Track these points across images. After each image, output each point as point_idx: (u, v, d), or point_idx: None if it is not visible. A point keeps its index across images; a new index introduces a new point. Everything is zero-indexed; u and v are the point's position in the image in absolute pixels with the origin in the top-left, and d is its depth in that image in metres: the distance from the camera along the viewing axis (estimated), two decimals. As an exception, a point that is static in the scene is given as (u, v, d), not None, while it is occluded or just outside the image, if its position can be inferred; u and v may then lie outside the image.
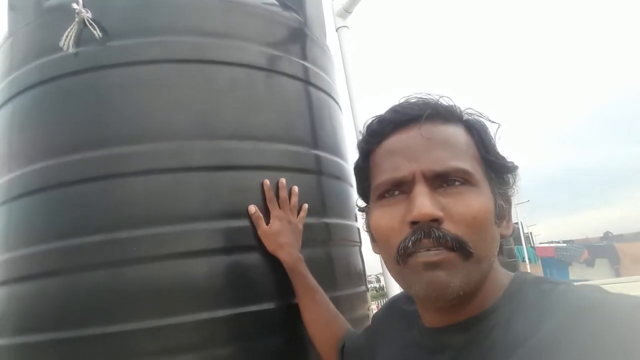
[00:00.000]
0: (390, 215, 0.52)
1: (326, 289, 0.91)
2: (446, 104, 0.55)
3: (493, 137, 0.56)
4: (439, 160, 0.51)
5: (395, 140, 0.54)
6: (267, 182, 0.91)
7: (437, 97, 0.55)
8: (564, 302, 0.45)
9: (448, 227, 0.48)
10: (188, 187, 0.85)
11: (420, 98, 0.55)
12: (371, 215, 0.57)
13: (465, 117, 0.56)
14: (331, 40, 1.39)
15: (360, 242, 1.18)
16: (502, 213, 0.54)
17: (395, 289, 1.47)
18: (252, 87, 0.97)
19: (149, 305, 0.79)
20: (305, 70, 1.10)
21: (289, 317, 0.89)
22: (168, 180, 0.85)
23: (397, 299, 0.72)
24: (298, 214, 0.95)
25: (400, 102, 0.57)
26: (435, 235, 0.48)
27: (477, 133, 0.55)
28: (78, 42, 0.90)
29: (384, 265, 0.70)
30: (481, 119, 0.56)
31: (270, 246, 0.89)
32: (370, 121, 0.58)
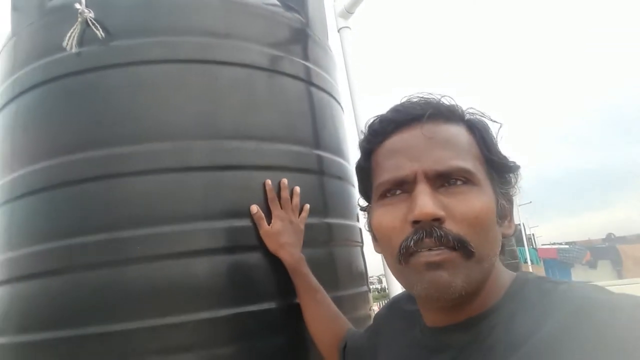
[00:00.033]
0: (392, 215, 0.52)
1: (328, 289, 0.91)
2: (448, 104, 0.55)
3: (495, 137, 0.56)
4: (441, 159, 0.51)
5: (397, 140, 0.54)
6: (269, 182, 0.92)
7: (439, 97, 0.55)
8: (565, 302, 0.45)
9: (450, 226, 0.48)
10: (190, 186, 0.85)
11: (422, 98, 0.55)
12: (373, 214, 0.57)
13: (467, 116, 0.56)
14: (333, 40, 1.39)
15: (362, 242, 1.18)
16: (503, 212, 0.54)
17: (397, 290, 1.46)
18: (254, 87, 0.97)
19: (151, 305, 0.79)
20: (307, 70, 1.10)
21: (291, 316, 0.89)
22: (170, 180, 0.85)
23: (398, 298, 0.72)
24: (300, 214, 0.95)
25: (402, 101, 0.57)
26: (437, 234, 0.48)
27: (479, 132, 0.55)
28: (81, 42, 0.90)
29: (386, 267, 0.70)
30: (483, 118, 0.56)
31: (271, 246, 0.89)
32: (371, 121, 0.59)
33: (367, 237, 0.67)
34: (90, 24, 0.88)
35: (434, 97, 0.55)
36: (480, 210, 0.49)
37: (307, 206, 0.97)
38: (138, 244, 0.81)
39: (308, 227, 0.95)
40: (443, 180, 0.51)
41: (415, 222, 0.49)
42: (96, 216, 0.83)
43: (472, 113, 0.56)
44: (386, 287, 1.67)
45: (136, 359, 0.77)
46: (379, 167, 0.56)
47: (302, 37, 1.14)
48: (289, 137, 1.00)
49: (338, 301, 0.92)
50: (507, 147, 0.56)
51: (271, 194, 0.91)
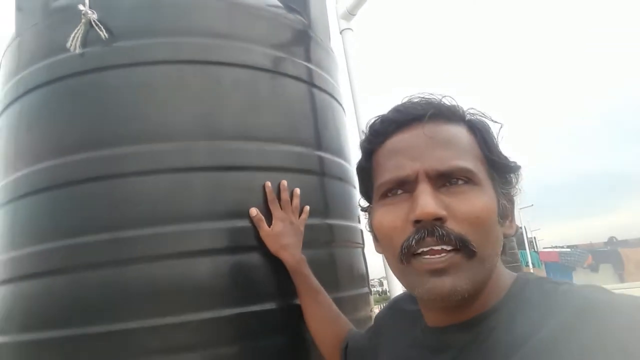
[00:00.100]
0: (394, 214, 0.52)
1: (329, 289, 0.91)
2: (449, 104, 0.55)
3: (496, 137, 0.56)
4: (442, 159, 0.51)
5: (398, 140, 0.55)
6: (268, 183, 0.92)
7: (440, 97, 0.55)
8: (565, 302, 0.45)
9: (451, 226, 0.48)
10: (192, 187, 0.86)
11: (422, 98, 0.56)
12: (374, 214, 0.57)
13: (468, 116, 0.56)
14: (335, 42, 1.39)
15: (363, 243, 1.18)
16: (505, 212, 0.54)
17: (398, 293, 1.46)
18: (256, 88, 0.97)
19: (154, 304, 0.79)
20: (309, 72, 1.10)
21: (292, 317, 0.89)
22: (173, 180, 0.85)
23: (399, 298, 0.72)
24: (300, 215, 0.95)
25: (403, 101, 0.57)
26: (439, 233, 0.48)
27: (480, 133, 0.55)
28: (84, 43, 0.91)
29: (387, 269, 0.70)
30: (484, 119, 0.56)
31: (272, 247, 0.89)
32: (372, 121, 0.59)
33: (368, 239, 0.67)
34: (94, 25, 0.89)
35: (435, 97, 0.55)
36: (482, 210, 0.50)
37: (307, 208, 0.97)
38: (141, 244, 0.81)
39: (309, 228, 0.96)
40: (444, 180, 0.51)
41: (417, 222, 0.49)
42: (99, 216, 0.83)
43: (473, 113, 0.56)
44: (387, 289, 1.67)
45: (139, 358, 0.77)
46: (380, 167, 0.56)
47: (304, 39, 1.14)
48: (290, 138, 1.00)
49: (339, 302, 0.92)
50: (507, 148, 0.56)
51: (271, 196, 0.91)
